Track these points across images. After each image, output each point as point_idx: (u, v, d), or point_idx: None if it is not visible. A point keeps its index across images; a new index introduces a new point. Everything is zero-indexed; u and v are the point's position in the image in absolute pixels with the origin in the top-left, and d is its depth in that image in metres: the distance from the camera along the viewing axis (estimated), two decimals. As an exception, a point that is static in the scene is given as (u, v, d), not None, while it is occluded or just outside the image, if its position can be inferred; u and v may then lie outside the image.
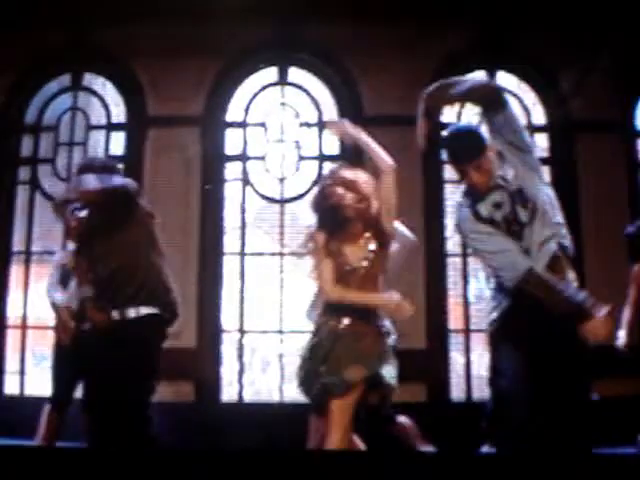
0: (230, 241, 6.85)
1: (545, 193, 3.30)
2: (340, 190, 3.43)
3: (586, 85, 6.20)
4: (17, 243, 6.87)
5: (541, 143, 6.94)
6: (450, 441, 4.62)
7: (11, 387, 6.61)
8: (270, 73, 7.12)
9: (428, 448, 4.55)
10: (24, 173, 7.01)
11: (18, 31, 6.64)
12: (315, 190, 3.64)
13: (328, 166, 6.44)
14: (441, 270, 6.66)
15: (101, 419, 3.70)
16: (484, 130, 3.46)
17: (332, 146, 6.74)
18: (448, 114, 6.60)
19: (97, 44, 6.81)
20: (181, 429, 4.54)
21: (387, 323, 3.79)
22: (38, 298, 6.23)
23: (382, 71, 6.69)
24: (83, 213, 3.82)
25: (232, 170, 6.96)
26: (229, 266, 6.79)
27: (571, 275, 3.24)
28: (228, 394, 6.64)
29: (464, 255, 6.65)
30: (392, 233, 3.52)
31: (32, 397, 6.15)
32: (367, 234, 3.47)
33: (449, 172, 6.33)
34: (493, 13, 6.52)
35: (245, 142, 7.01)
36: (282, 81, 7.13)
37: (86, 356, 3.95)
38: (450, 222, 6.58)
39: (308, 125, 7.03)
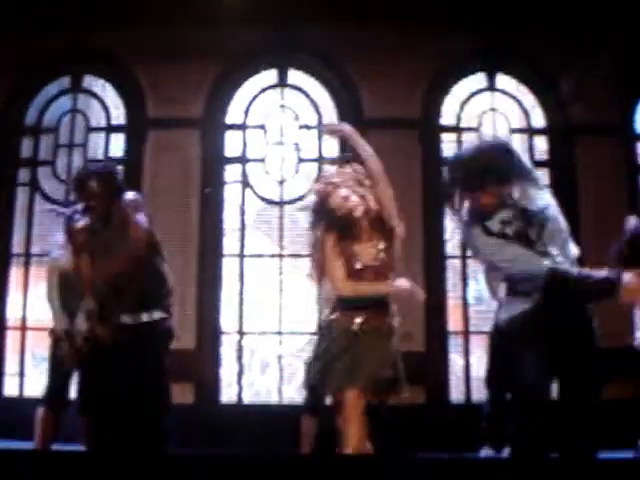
0: (229, 243, 6.86)
1: (552, 212, 3.29)
2: (345, 192, 3.46)
3: (586, 88, 6.21)
4: (17, 245, 6.87)
5: (540, 146, 6.96)
6: (449, 443, 4.63)
7: (10, 388, 6.62)
8: (270, 75, 7.14)
9: None
10: (24, 174, 7.01)
11: (18, 33, 6.65)
12: (315, 191, 3.64)
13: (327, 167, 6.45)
14: (440, 272, 6.67)
15: (102, 421, 3.74)
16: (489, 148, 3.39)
17: (331, 148, 6.74)
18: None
19: (97, 46, 6.82)
20: (181, 430, 4.54)
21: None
22: (37, 300, 6.23)
23: (382, 74, 6.70)
24: (84, 221, 3.87)
25: (232, 172, 6.97)
26: (228, 268, 6.80)
27: None
28: (227, 395, 6.65)
29: (463, 257, 6.66)
30: (399, 231, 3.55)
31: (31, 398, 6.15)
32: (376, 233, 3.50)
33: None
34: (492, 16, 6.52)
35: (245, 144, 7.02)
36: (282, 83, 7.14)
37: (104, 362, 3.96)
38: (449, 224, 6.60)
39: (308, 127, 7.04)
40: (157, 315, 3.94)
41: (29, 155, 7.05)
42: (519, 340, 3.19)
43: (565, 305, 3.11)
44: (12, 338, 6.72)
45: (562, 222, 3.27)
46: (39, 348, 6.34)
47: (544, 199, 3.30)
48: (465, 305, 6.72)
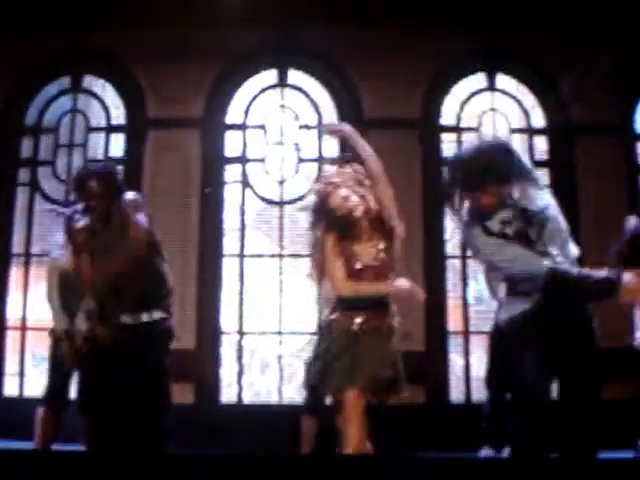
0: (229, 243, 6.86)
1: (552, 212, 3.29)
2: (345, 192, 3.46)
3: (585, 88, 6.21)
4: (17, 245, 6.87)
5: (540, 146, 6.96)
6: (449, 443, 4.63)
7: (10, 388, 6.62)
8: (270, 75, 7.14)
9: None
10: (24, 174, 7.01)
11: (18, 33, 6.65)
12: (315, 191, 3.64)
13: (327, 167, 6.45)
14: (440, 272, 6.67)
15: (102, 421, 3.74)
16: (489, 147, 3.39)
17: (331, 148, 6.74)
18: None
19: (97, 46, 6.82)
20: (181, 430, 4.54)
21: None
22: (37, 300, 6.23)
23: (382, 74, 6.70)
24: (84, 221, 3.87)
25: (232, 172, 6.97)
26: (228, 268, 6.80)
27: None
28: (227, 395, 6.65)
29: (463, 257, 6.66)
30: (399, 231, 3.55)
31: (31, 398, 6.15)
32: (376, 233, 3.50)
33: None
34: (492, 16, 6.52)
35: (245, 144, 7.02)
36: (282, 83, 7.14)
37: (104, 362, 3.96)
38: (449, 224, 6.60)
39: (308, 127, 7.04)
40: (157, 315, 3.95)
41: (29, 155, 7.05)
42: (519, 340, 3.19)
43: (565, 305, 3.11)
44: (12, 338, 6.72)
45: (562, 222, 3.27)
46: (39, 348, 6.34)
47: (544, 199, 3.30)
48: (465, 305, 6.72)
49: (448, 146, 6.91)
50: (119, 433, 3.77)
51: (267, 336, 6.75)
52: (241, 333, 6.72)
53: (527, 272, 3.10)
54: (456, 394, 6.58)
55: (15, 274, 6.82)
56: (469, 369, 6.61)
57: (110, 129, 7.07)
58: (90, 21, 6.64)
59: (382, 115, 6.67)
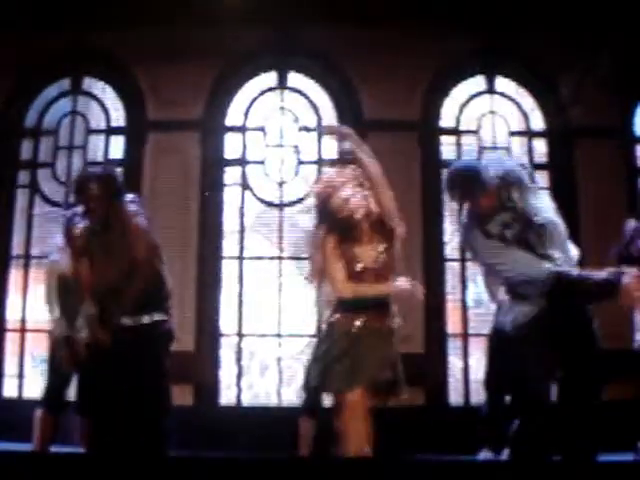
0: (229, 245, 6.85)
1: (551, 215, 3.29)
2: (345, 193, 3.46)
3: (585, 90, 6.21)
4: (16, 247, 6.86)
5: (540, 148, 6.96)
6: (448, 445, 4.63)
7: (9, 390, 6.61)
8: (269, 78, 7.14)
9: None
10: (24, 177, 7.01)
11: (18, 33, 6.65)
12: (315, 193, 3.64)
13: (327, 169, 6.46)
14: (440, 275, 6.66)
15: (102, 422, 3.74)
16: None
17: (331, 150, 6.75)
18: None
19: (97, 48, 6.82)
20: (180, 432, 4.54)
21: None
22: (37, 302, 6.22)
23: (381, 76, 6.70)
24: (83, 224, 3.87)
25: (231, 174, 6.97)
26: (228, 270, 6.80)
27: None
28: (227, 397, 6.64)
29: (462, 260, 6.66)
30: (399, 232, 3.55)
31: (30, 400, 6.14)
32: (376, 235, 3.50)
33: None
34: (492, 16, 6.53)
35: (244, 146, 7.02)
36: (281, 86, 7.14)
37: (104, 364, 3.96)
38: (449, 226, 6.61)
39: (307, 129, 7.04)
40: (157, 317, 3.94)
41: (29, 157, 7.05)
42: (524, 343, 3.19)
43: (566, 307, 3.11)
44: (11, 340, 6.71)
45: (561, 225, 3.28)
46: (38, 350, 6.35)
47: (543, 202, 3.30)
48: (464, 307, 6.72)
49: (447, 149, 6.91)
50: (119, 435, 3.76)
51: (266, 338, 6.74)
52: (240, 335, 6.71)
53: (527, 275, 3.10)
54: (455, 396, 6.57)
55: (15, 276, 6.81)
56: (468, 371, 6.60)
57: (110, 131, 7.07)
58: (90, 21, 6.64)
59: (381, 117, 6.67)
